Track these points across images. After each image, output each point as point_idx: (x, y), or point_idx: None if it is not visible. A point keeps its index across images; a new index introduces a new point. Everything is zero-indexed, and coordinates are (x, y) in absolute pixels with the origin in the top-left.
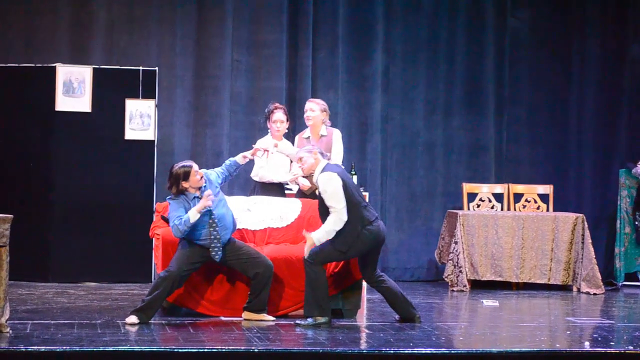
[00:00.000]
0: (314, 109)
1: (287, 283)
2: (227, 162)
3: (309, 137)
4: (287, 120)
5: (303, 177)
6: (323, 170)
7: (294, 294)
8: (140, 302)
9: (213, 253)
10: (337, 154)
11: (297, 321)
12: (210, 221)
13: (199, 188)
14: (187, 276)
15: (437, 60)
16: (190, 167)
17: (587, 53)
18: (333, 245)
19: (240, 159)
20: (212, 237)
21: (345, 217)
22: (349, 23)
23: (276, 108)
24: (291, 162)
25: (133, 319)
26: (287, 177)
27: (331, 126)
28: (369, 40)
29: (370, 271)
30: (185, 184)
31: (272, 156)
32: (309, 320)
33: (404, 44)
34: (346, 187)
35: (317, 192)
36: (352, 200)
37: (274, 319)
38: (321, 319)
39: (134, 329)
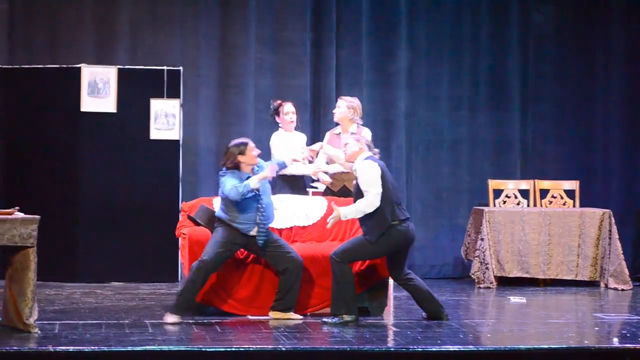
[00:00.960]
0: (340, 105)
1: (314, 281)
2: (275, 160)
3: (339, 133)
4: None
5: (324, 172)
6: (365, 159)
7: (320, 293)
8: (176, 298)
9: (258, 238)
10: None
11: (324, 319)
12: (259, 206)
13: (252, 169)
14: (221, 262)
15: (461, 56)
16: (247, 143)
17: (612, 47)
18: (361, 238)
19: (289, 161)
20: (260, 221)
21: (377, 203)
22: (372, 20)
23: (283, 101)
24: (315, 155)
25: (174, 318)
26: (308, 170)
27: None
28: (392, 38)
29: (398, 270)
30: (241, 158)
31: (290, 148)
32: (336, 318)
33: (427, 40)
34: (384, 180)
35: (351, 184)
36: (387, 193)
37: (302, 317)
38: (348, 317)
39: (174, 328)
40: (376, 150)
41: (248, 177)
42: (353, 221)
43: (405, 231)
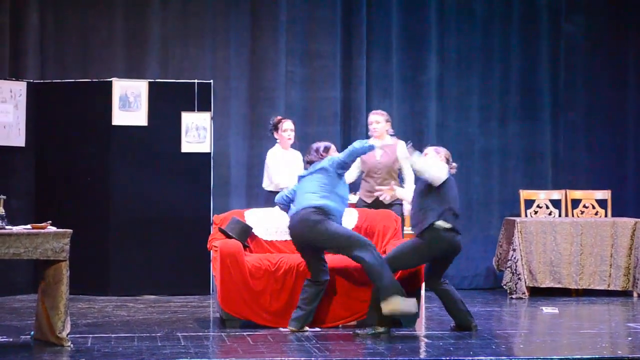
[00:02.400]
0: (379, 120)
1: (345, 293)
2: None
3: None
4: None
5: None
6: None
7: (352, 304)
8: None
9: None
10: (407, 164)
11: (356, 331)
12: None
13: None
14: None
15: (492, 66)
16: (330, 146)
17: None
18: (407, 241)
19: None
20: None
21: (444, 177)
22: (402, 32)
23: (283, 118)
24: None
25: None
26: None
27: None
28: (422, 49)
29: (436, 279)
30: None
31: (286, 165)
32: (368, 329)
33: (457, 51)
34: (448, 187)
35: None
36: (446, 197)
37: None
38: (380, 329)
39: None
40: (454, 164)
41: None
42: (385, 233)
43: (450, 239)
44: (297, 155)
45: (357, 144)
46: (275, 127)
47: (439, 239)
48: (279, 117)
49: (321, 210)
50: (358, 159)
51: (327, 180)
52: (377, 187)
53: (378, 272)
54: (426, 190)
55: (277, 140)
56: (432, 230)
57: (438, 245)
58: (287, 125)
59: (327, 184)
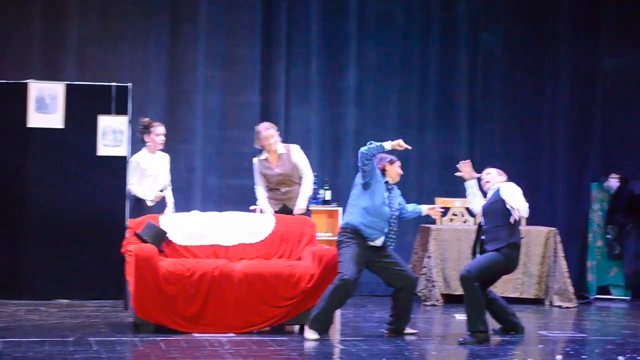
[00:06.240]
0: (274, 134)
1: (260, 299)
2: (412, 206)
3: (266, 158)
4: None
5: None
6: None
7: (266, 310)
8: (316, 316)
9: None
10: (306, 166)
11: (460, 340)
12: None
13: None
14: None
15: (410, 74)
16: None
17: (559, 68)
18: (488, 254)
19: (424, 210)
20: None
21: (526, 215)
22: (322, 38)
23: (153, 121)
24: None
25: (316, 335)
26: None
27: (287, 141)
28: (342, 55)
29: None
30: (388, 167)
31: (155, 169)
32: (470, 337)
33: (377, 58)
34: None
35: (291, 203)
36: (518, 219)
37: (416, 330)
38: (482, 336)
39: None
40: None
41: (387, 187)
42: (300, 239)
43: (516, 257)
44: (166, 158)
45: (372, 145)
46: (147, 130)
47: (511, 259)
48: (149, 119)
49: (342, 229)
50: (259, 174)
51: (354, 193)
52: None
53: (323, 297)
54: (502, 209)
55: (148, 143)
56: (507, 248)
57: (508, 263)
58: (161, 130)
59: (352, 198)
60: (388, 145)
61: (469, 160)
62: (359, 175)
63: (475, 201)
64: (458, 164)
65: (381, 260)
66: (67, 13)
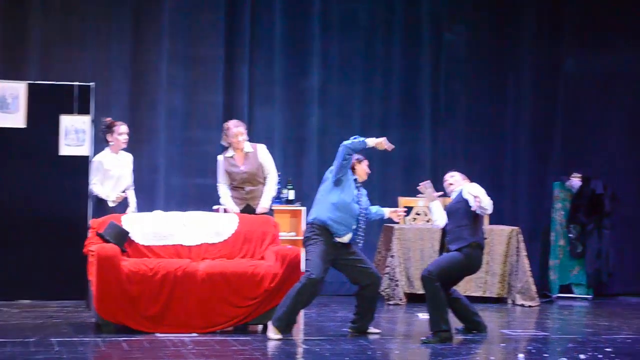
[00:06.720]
0: (243, 132)
1: (223, 299)
2: (375, 208)
3: (232, 155)
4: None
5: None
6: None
7: (229, 310)
8: (281, 315)
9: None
10: (272, 166)
11: (422, 338)
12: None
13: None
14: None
15: (374, 74)
16: (364, 158)
17: (522, 67)
18: (449, 253)
19: (387, 213)
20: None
21: (490, 211)
22: (285, 38)
23: (115, 121)
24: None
25: (278, 334)
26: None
27: (251, 141)
28: (305, 55)
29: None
30: (357, 165)
31: (120, 169)
32: (430, 336)
33: (340, 58)
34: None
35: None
36: (481, 219)
37: (379, 331)
38: (445, 334)
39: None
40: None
41: (355, 185)
42: (263, 239)
43: (479, 257)
44: (129, 158)
45: (355, 140)
46: (110, 129)
47: (473, 258)
48: (111, 119)
49: (310, 225)
50: (223, 172)
51: (322, 189)
52: None
53: (288, 296)
54: (465, 209)
55: (111, 143)
56: (469, 248)
57: (470, 263)
58: (124, 129)
59: (320, 194)
60: (371, 142)
61: (429, 181)
62: (332, 170)
63: (441, 219)
64: (418, 185)
65: (347, 257)
66: (29, 12)
